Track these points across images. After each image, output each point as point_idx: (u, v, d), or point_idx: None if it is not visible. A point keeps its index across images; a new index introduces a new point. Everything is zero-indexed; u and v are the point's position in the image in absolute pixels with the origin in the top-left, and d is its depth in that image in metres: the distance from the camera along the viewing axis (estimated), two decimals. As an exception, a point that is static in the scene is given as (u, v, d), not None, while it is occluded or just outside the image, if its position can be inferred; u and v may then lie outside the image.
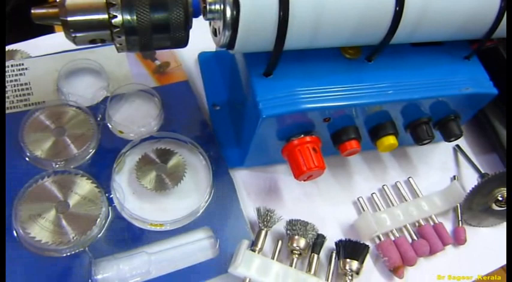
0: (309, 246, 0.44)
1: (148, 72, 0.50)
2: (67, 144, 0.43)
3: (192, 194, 0.45)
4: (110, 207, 0.42)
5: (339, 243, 0.45)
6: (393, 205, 0.49)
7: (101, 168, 0.43)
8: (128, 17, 0.32)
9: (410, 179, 0.52)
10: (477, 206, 0.49)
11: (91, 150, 0.44)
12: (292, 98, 0.40)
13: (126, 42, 0.34)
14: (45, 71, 0.48)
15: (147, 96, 0.49)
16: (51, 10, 0.33)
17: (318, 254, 0.43)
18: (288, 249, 0.44)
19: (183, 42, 0.36)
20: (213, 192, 0.45)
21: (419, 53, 0.45)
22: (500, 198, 0.49)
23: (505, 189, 0.48)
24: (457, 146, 0.55)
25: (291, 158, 0.43)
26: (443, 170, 0.54)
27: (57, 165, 0.43)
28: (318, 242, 0.44)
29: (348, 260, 0.43)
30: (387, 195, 0.50)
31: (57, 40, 0.51)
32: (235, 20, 0.34)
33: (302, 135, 0.43)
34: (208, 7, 0.35)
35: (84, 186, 0.42)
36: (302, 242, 0.43)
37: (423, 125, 0.47)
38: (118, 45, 0.34)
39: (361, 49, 0.43)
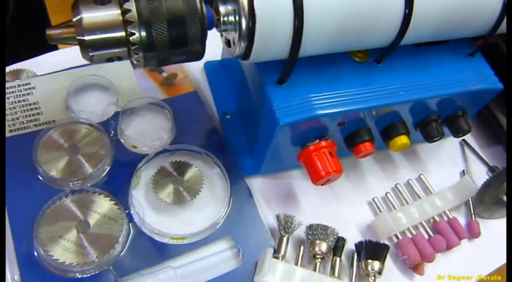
0: (331, 250, 0.44)
1: (156, 84, 0.50)
2: (82, 163, 0.43)
3: (210, 204, 0.44)
4: (130, 224, 0.41)
5: (359, 245, 0.45)
6: (407, 203, 0.50)
7: (117, 185, 0.43)
8: (146, 34, 0.32)
9: (421, 176, 0.52)
10: (489, 199, 0.50)
11: (106, 167, 0.44)
12: (307, 105, 0.40)
13: (144, 58, 0.34)
14: (53, 89, 0.47)
15: (158, 109, 0.49)
16: (67, 30, 0.33)
17: (340, 256, 0.44)
18: (310, 254, 0.44)
19: (200, 55, 0.36)
20: (231, 201, 0.45)
21: (425, 53, 0.46)
22: (510, 190, 0.50)
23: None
24: (463, 140, 0.56)
25: (308, 163, 0.43)
26: (452, 165, 0.55)
27: (73, 184, 0.42)
28: (338, 245, 0.44)
29: (369, 260, 0.44)
30: (401, 193, 0.50)
31: (61, 57, 0.50)
32: (251, 31, 0.34)
33: (317, 140, 0.43)
34: (222, 19, 0.36)
35: (103, 204, 0.41)
36: (324, 246, 0.43)
37: (433, 123, 0.47)
38: (135, 62, 0.34)
39: (369, 52, 0.44)
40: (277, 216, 0.44)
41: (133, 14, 0.32)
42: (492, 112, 0.56)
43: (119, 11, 0.32)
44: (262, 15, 0.34)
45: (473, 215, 0.51)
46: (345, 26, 0.37)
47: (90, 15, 0.32)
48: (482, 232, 0.50)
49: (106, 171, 0.44)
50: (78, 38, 0.32)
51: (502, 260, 0.49)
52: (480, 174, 0.54)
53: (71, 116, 0.46)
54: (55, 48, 0.52)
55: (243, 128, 0.50)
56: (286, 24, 0.35)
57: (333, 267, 0.43)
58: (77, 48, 0.33)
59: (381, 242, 0.45)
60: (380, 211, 0.48)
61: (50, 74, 0.48)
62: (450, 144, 0.56)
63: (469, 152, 0.56)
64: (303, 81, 0.41)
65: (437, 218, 0.49)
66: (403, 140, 0.46)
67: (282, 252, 0.42)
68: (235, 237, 0.43)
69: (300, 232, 0.45)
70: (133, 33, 0.32)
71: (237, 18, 0.35)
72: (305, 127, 0.41)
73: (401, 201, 0.50)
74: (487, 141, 0.58)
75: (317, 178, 0.42)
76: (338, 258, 0.44)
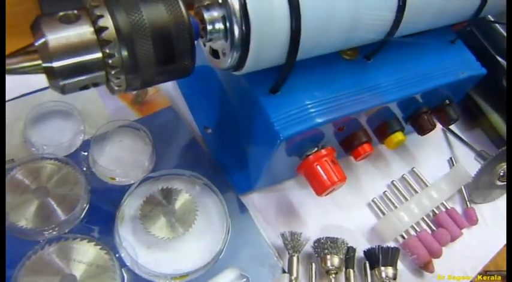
0: (343, 262, 0.41)
1: (125, 104, 0.45)
2: (54, 207, 0.37)
3: (208, 232, 0.40)
4: (123, 269, 0.36)
5: (368, 253, 0.43)
6: (406, 200, 0.48)
7: (100, 225, 0.38)
8: (128, 54, 0.27)
9: (414, 169, 0.51)
10: (483, 184, 0.50)
11: (85, 206, 0.38)
12: (305, 113, 0.37)
13: (126, 82, 0.29)
14: (6, 122, 0.40)
15: (132, 131, 0.43)
16: (28, 57, 0.27)
17: (353, 268, 0.41)
18: (321, 270, 0.41)
19: (189, 70, 0.31)
20: (230, 226, 0.41)
21: (410, 44, 0.44)
22: (502, 174, 0.50)
23: (505, 164, 0.49)
24: (447, 127, 0.56)
25: (311, 174, 0.40)
26: (439, 153, 0.54)
27: (48, 233, 0.36)
28: (350, 256, 0.42)
29: (382, 267, 0.42)
30: (398, 190, 0.49)
31: (10, 82, 0.43)
32: (246, 38, 0.30)
33: (315, 148, 0.40)
34: (208, 27, 0.31)
35: (87, 251, 0.36)
36: (336, 260, 0.40)
37: (424, 115, 0.46)
38: (116, 87, 0.29)
39: (358, 49, 0.41)
40: (283, 235, 0.41)
41: (111, 31, 0.26)
42: (471, 97, 0.56)
43: (92, 29, 0.27)
44: (257, 19, 0.30)
45: (468, 202, 0.51)
46: (341, 26, 0.34)
47: (56, 37, 0.26)
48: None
49: (84, 211, 0.38)
50: (44, 65, 0.26)
51: (502, 242, 0.49)
52: (467, 160, 0.53)
53: (32, 152, 0.39)
54: None
55: (228, 141, 0.46)
56: (282, 26, 0.31)
57: (348, 280, 0.41)
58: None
59: (390, 246, 0.43)
60: (383, 213, 0.46)
61: (-2, 104, 0.41)
62: (434, 132, 0.55)
63: (452, 138, 0.56)
64: (295, 88, 0.38)
65: (436, 211, 0.48)
66: (399, 136, 0.44)
67: (295, 274, 0.39)
68: (240, 265, 0.39)
69: (307, 246, 0.42)
70: (113, 55, 0.27)
71: (228, 25, 0.30)
72: (304, 137, 0.38)
73: (400, 199, 0.49)
74: (467, 126, 0.58)
75: (322, 189, 0.39)
76: (351, 270, 0.41)
